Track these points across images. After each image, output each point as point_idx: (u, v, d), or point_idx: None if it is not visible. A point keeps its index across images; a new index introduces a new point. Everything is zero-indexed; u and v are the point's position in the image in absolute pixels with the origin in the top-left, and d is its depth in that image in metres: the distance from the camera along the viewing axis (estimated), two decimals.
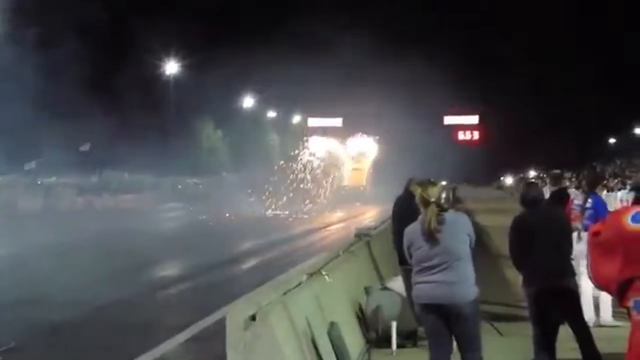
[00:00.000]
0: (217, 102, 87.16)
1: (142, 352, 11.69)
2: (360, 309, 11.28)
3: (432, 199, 7.51)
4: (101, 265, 23.12)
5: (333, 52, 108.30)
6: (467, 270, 7.50)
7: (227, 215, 51.88)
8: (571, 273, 8.89)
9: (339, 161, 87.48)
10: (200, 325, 13.74)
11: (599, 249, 2.25)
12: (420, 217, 7.61)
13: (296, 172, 74.04)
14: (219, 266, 23.86)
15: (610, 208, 13.07)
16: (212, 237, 35.13)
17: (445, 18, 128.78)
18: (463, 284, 7.42)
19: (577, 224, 11.97)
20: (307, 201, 68.19)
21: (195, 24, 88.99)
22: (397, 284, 11.46)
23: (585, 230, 11.37)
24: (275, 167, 76.04)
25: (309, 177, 74.77)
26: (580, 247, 10.38)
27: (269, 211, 59.93)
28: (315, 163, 77.99)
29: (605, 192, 56.30)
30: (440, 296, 7.37)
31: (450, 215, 7.57)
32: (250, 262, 25.62)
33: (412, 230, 7.64)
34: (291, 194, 69.09)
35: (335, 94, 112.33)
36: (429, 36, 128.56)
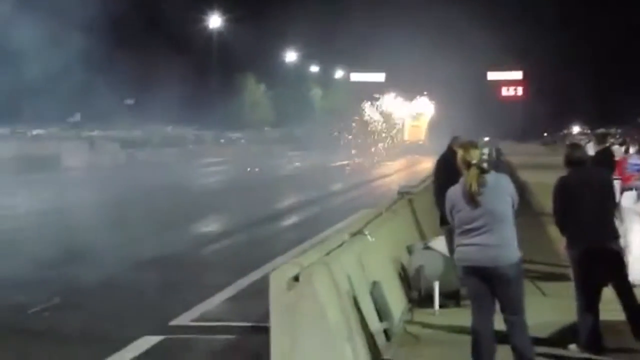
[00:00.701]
0: (260, 57, 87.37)
1: (184, 310, 11.78)
2: (403, 268, 11.28)
3: (474, 161, 7.46)
4: (144, 222, 23.23)
5: (376, 7, 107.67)
6: (509, 233, 7.45)
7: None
8: (615, 235, 8.83)
9: (400, 119, 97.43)
10: (241, 284, 13.78)
11: None
12: (461, 179, 7.57)
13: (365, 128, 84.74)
14: (267, 220, 24.11)
15: None
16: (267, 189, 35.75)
17: None
18: (506, 246, 7.39)
19: (633, 183, 11.94)
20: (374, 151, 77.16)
21: None
22: (440, 243, 11.42)
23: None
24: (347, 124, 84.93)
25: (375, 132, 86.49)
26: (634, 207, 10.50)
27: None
28: (379, 121, 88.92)
29: None
30: (483, 259, 7.34)
31: (491, 177, 7.50)
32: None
33: (454, 192, 7.60)
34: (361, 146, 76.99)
35: (377, 48, 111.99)
36: None
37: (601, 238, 8.64)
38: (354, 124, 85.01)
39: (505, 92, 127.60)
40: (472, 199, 7.35)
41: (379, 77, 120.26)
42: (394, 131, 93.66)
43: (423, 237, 13.86)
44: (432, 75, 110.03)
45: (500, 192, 7.48)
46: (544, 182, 14.68)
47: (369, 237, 9.91)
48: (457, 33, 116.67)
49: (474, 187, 7.34)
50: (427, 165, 42.12)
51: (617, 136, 52.20)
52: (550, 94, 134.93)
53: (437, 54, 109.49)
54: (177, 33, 72.35)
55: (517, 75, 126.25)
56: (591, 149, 18.67)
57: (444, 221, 10.85)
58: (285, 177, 48.55)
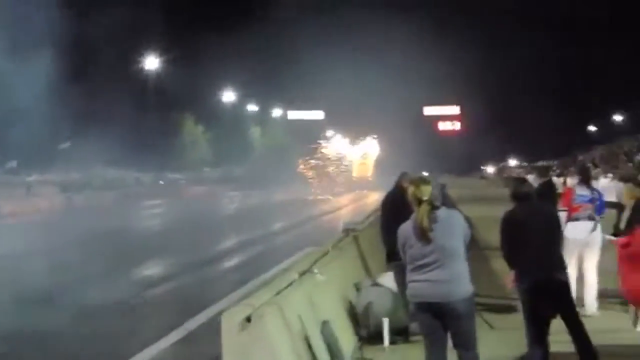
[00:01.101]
0: (198, 97, 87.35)
1: (131, 355, 11.64)
2: (351, 306, 11.26)
3: (425, 197, 7.50)
4: (85, 266, 22.91)
5: (312, 46, 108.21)
6: (461, 268, 7.51)
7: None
8: (563, 266, 8.93)
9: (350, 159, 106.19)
10: (189, 326, 13.68)
11: (629, 260, 2.22)
12: (412, 216, 7.60)
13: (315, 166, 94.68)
14: (212, 261, 23.98)
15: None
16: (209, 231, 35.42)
17: (421, 10, 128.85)
18: (457, 281, 7.43)
19: (580, 213, 12.18)
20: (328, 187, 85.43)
21: (175, 19, 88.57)
22: (388, 279, 11.43)
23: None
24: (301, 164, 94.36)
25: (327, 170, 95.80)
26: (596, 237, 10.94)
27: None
28: (332, 159, 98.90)
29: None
30: (435, 294, 7.38)
31: (442, 212, 7.56)
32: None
33: (405, 229, 7.63)
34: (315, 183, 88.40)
35: (315, 87, 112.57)
36: (406, 29, 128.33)
37: (549, 270, 8.72)
38: (312, 162, 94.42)
39: (443, 126, 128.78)
40: (423, 235, 7.39)
41: (318, 114, 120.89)
42: (345, 169, 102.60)
43: (370, 273, 13.86)
44: (370, 112, 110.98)
45: (452, 228, 7.53)
46: (486, 215, 14.82)
47: (318, 275, 9.90)
48: (393, 69, 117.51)
49: (425, 223, 7.39)
50: (375, 197, 42.33)
51: (555, 168, 52.82)
52: (487, 127, 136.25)
53: (374, 90, 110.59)
54: (114, 74, 71.99)
55: (454, 109, 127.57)
56: (533, 183, 18.98)
57: (390, 258, 10.89)
58: (227, 216, 48.53)
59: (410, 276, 7.62)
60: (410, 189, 7.67)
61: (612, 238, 10.94)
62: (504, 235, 8.96)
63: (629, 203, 11.10)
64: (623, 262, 2.52)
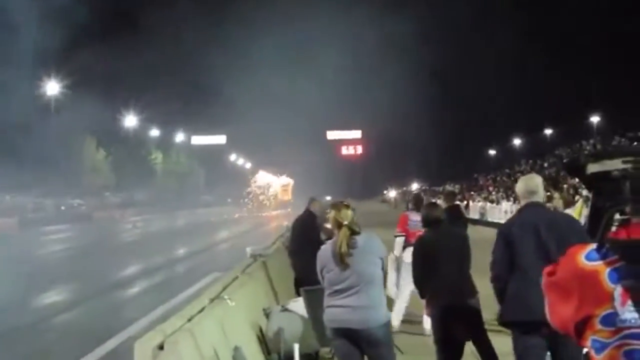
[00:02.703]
0: (100, 123, 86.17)
1: None
2: (261, 332, 11.27)
3: (345, 222, 7.54)
4: None
5: (215, 71, 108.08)
6: (378, 294, 7.51)
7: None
8: (474, 291, 9.04)
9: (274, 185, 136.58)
10: (98, 353, 13.51)
11: (555, 289, 2.29)
12: (332, 240, 7.63)
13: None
14: (118, 287, 23.69)
15: (495, 219, 13.55)
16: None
17: (324, 36, 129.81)
18: (375, 307, 7.43)
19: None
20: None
21: (76, 44, 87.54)
22: (298, 305, 11.46)
23: None
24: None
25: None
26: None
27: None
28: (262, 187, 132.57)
29: (489, 204, 57.59)
30: (351, 320, 7.37)
31: (362, 238, 7.56)
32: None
33: (324, 253, 7.63)
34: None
35: (218, 111, 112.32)
36: (309, 53, 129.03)
37: (460, 295, 8.83)
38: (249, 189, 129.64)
39: (345, 151, 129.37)
40: (341, 260, 7.39)
41: (220, 139, 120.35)
42: (272, 194, 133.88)
43: (279, 299, 13.89)
44: (274, 137, 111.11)
45: (370, 254, 7.53)
46: (387, 238, 14.97)
47: (228, 301, 9.89)
48: (296, 93, 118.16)
49: (344, 248, 7.39)
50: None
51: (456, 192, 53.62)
52: (389, 151, 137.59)
53: (277, 114, 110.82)
54: (15, 99, 70.78)
55: (356, 134, 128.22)
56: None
57: (298, 283, 10.93)
58: (131, 242, 48.01)
59: (327, 301, 7.61)
60: (332, 213, 7.70)
61: None
62: (415, 259, 9.06)
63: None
64: (549, 290, 2.56)
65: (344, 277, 7.42)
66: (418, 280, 9.09)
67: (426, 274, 8.88)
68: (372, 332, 7.37)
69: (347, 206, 7.76)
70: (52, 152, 79.66)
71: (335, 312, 7.50)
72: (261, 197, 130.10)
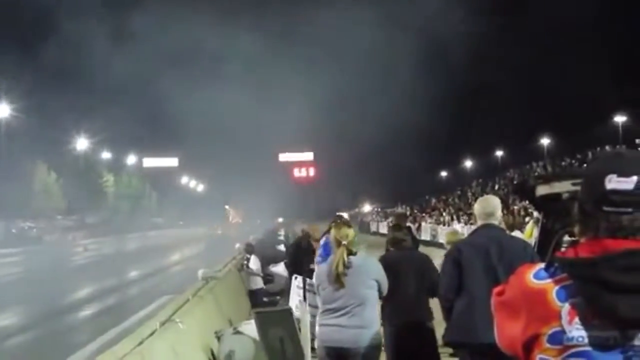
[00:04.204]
0: (51, 145, 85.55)
1: None
2: (213, 355, 11.22)
3: (344, 242, 7.55)
4: None
5: (166, 94, 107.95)
6: (370, 315, 7.54)
7: None
8: (430, 312, 9.06)
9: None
10: None
11: (503, 309, 2.31)
12: (330, 258, 7.67)
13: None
14: (69, 310, 23.47)
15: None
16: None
17: (274, 55, 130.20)
18: (366, 328, 7.45)
19: None
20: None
21: (26, 66, 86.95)
22: (250, 327, 11.43)
23: None
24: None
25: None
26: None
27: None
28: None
29: (441, 226, 57.82)
30: (342, 340, 7.40)
31: (358, 259, 7.59)
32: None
33: (321, 271, 7.71)
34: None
35: (169, 134, 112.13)
36: (260, 75, 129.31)
37: (418, 314, 8.90)
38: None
39: (298, 173, 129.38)
40: (336, 279, 7.42)
41: (172, 162, 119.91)
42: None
43: (230, 322, 13.85)
44: (227, 159, 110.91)
45: (365, 275, 7.56)
46: None
47: (180, 324, 9.85)
48: (248, 116, 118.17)
49: (340, 268, 7.41)
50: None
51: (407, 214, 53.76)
52: (341, 173, 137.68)
53: (230, 137, 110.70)
54: None
55: (308, 156, 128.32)
56: (383, 228, 19.41)
57: (253, 304, 10.91)
58: (83, 265, 47.69)
59: (321, 320, 7.66)
60: (332, 232, 7.74)
61: None
62: None
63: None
64: (498, 310, 2.58)
65: (337, 296, 7.46)
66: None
67: (385, 297, 8.93)
68: (363, 351, 7.40)
69: (349, 225, 7.81)
70: (3, 175, 78.88)
71: (327, 331, 7.54)
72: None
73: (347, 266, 7.45)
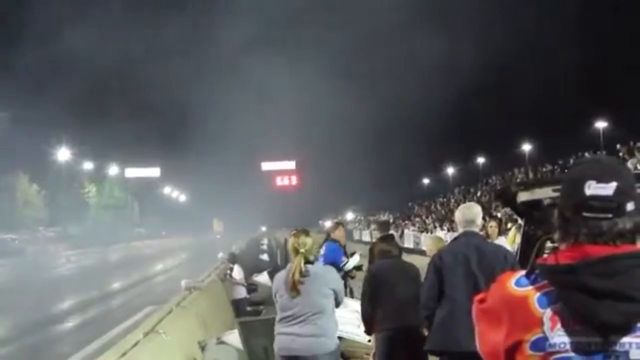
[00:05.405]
0: (33, 156, 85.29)
1: None
2: None
3: (302, 250, 7.59)
4: None
5: (148, 103, 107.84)
6: (327, 324, 7.55)
7: None
8: (419, 319, 9.09)
9: None
10: None
11: (485, 317, 2.31)
12: (288, 266, 7.70)
13: None
14: (52, 322, 23.38)
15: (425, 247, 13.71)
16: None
17: (257, 64, 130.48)
18: (322, 336, 7.47)
19: None
20: None
21: (6, 77, 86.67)
22: (233, 337, 11.42)
23: None
24: None
25: None
26: None
27: None
28: None
29: (424, 233, 57.94)
30: (297, 349, 7.42)
31: (315, 267, 7.66)
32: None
33: (279, 278, 7.72)
34: None
35: (151, 143, 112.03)
36: (242, 84, 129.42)
37: (408, 321, 8.88)
38: None
39: (280, 181, 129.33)
40: (292, 287, 7.45)
41: (154, 172, 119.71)
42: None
43: (214, 332, 13.82)
44: (209, 168, 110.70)
45: (322, 284, 7.58)
46: None
47: (163, 335, 9.81)
48: (230, 125, 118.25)
49: (297, 275, 7.45)
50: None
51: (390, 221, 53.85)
52: (324, 181, 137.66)
53: (211, 146, 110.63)
54: None
55: (290, 164, 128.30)
56: (366, 236, 19.53)
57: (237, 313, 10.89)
58: (65, 276, 47.46)
59: (277, 328, 7.68)
60: (291, 239, 7.77)
61: None
62: (367, 287, 9.13)
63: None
64: (479, 318, 2.56)
65: (293, 304, 7.49)
66: (366, 315, 9.13)
67: (375, 306, 8.93)
68: (319, 359, 7.41)
69: (307, 234, 7.83)
70: None
71: (283, 339, 7.57)
72: None
73: (304, 274, 7.47)
